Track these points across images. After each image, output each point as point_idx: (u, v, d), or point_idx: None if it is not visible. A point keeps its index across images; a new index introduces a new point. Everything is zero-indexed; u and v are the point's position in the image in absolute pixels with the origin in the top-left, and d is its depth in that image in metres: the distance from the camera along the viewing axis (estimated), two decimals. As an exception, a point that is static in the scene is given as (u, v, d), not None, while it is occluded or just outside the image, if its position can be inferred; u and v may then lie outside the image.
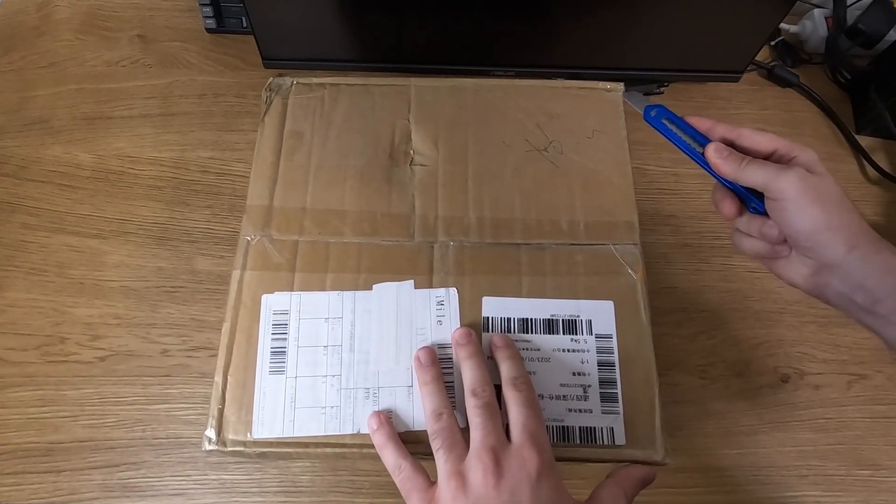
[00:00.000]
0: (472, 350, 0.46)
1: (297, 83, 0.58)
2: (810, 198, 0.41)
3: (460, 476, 0.40)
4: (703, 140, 0.47)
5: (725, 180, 0.46)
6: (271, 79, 0.58)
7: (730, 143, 0.46)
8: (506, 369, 0.45)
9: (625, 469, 0.45)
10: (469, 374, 0.45)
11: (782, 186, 0.42)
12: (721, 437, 0.62)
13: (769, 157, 0.45)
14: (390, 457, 0.44)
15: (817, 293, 0.45)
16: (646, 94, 0.77)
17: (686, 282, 0.68)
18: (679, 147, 0.47)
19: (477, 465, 0.40)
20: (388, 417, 0.46)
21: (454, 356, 0.47)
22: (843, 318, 0.65)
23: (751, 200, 0.45)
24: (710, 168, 0.46)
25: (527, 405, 0.43)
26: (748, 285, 0.68)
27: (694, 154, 0.46)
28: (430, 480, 0.42)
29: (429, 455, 0.43)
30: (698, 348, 0.65)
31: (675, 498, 0.59)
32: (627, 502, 0.43)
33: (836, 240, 0.41)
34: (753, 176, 0.43)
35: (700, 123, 0.47)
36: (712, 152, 0.45)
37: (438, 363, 0.47)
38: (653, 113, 0.48)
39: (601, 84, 0.58)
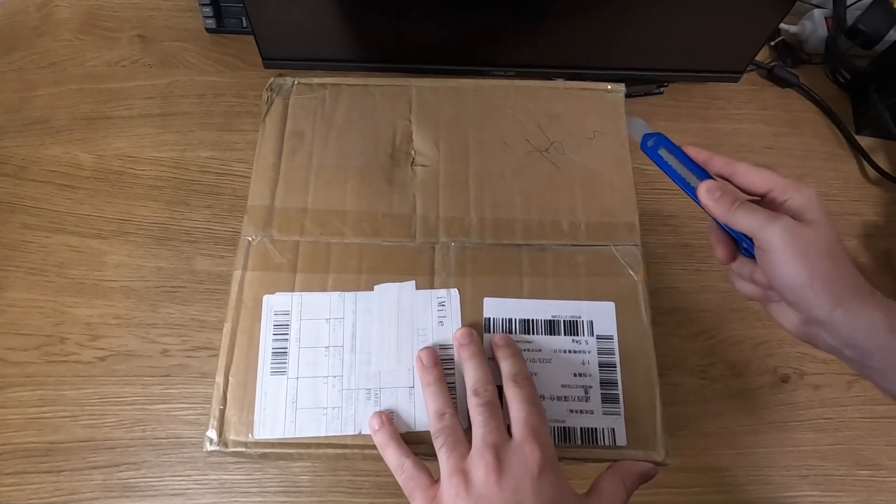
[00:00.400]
0: (474, 350, 0.46)
1: (298, 83, 0.58)
2: (796, 251, 0.40)
3: (463, 473, 0.40)
4: (700, 173, 0.45)
5: None
6: (272, 79, 0.58)
7: (726, 179, 0.45)
8: (506, 367, 0.45)
9: (626, 462, 0.45)
10: (471, 373, 0.45)
11: (768, 237, 0.41)
12: (721, 437, 0.62)
13: (764, 197, 0.44)
14: (392, 456, 0.44)
15: (808, 342, 0.44)
16: (646, 94, 0.77)
17: (686, 282, 0.68)
18: (674, 181, 0.46)
19: (479, 462, 0.40)
20: (389, 417, 0.46)
21: (455, 356, 0.47)
22: (843, 318, 0.66)
23: (742, 241, 0.44)
24: None
25: (528, 401, 0.43)
26: (748, 285, 0.68)
27: (688, 190, 0.45)
28: (433, 479, 0.43)
29: (431, 455, 0.43)
30: (698, 348, 0.65)
31: (675, 498, 0.59)
32: (627, 495, 0.43)
33: (822, 296, 0.40)
34: (742, 221, 0.42)
35: (697, 154, 0.46)
36: (704, 192, 0.44)
37: (440, 364, 0.47)
38: (650, 143, 0.47)
39: (602, 85, 0.58)
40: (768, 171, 0.44)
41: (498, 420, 0.43)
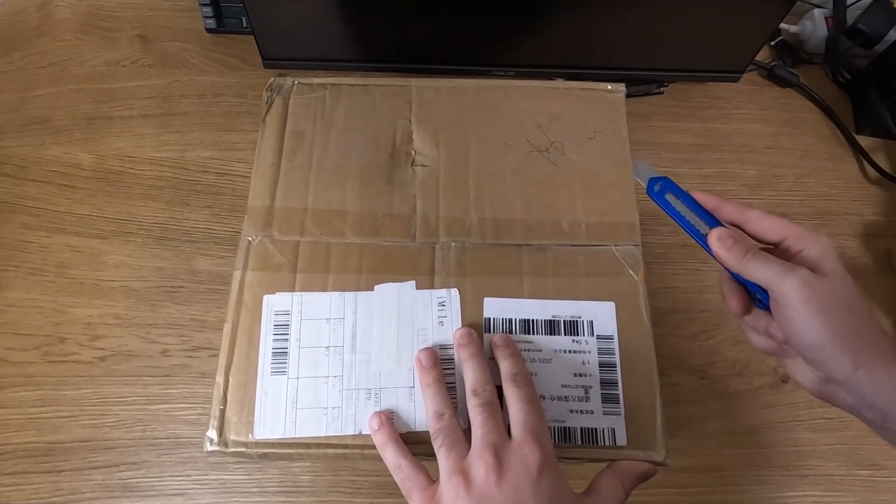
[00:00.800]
0: (474, 350, 0.46)
1: (299, 83, 0.58)
2: (815, 307, 0.38)
3: (462, 473, 0.40)
4: (710, 219, 0.43)
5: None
6: (272, 79, 0.58)
7: (737, 226, 0.43)
8: (506, 367, 0.45)
9: (624, 462, 0.45)
10: (470, 373, 0.45)
11: (785, 290, 0.38)
12: (721, 437, 0.62)
13: (777, 246, 0.42)
14: (391, 456, 0.44)
15: (826, 400, 0.42)
16: (646, 94, 0.77)
17: (686, 282, 0.68)
18: (683, 227, 0.44)
19: (479, 462, 0.40)
20: (389, 417, 0.46)
21: (455, 356, 0.47)
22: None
23: (756, 293, 0.42)
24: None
25: (527, 401, 0.43)
26: (748, 285, 0.68)
27: (698, 237, 0.43)
28: (431, 479, 0.42)
29: (431, 456, 0.43)
30: (698, 348, 0.65)
31: (675, 498, 0.59)
32: (625, 495, 0.43)
33: (842, 356, 0.38)
34: (756, 272, 0.40)
35: (707, 200, 0.44)
36: (715, 240, 0.42)
37: (440, 364, 0.47)
38: (656, 187, 0.45)
39: (602, 85, 0.58)
40: (782, 218, 0.42)
41: (497, 420, 0.43)
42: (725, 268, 0.42)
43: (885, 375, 0.37)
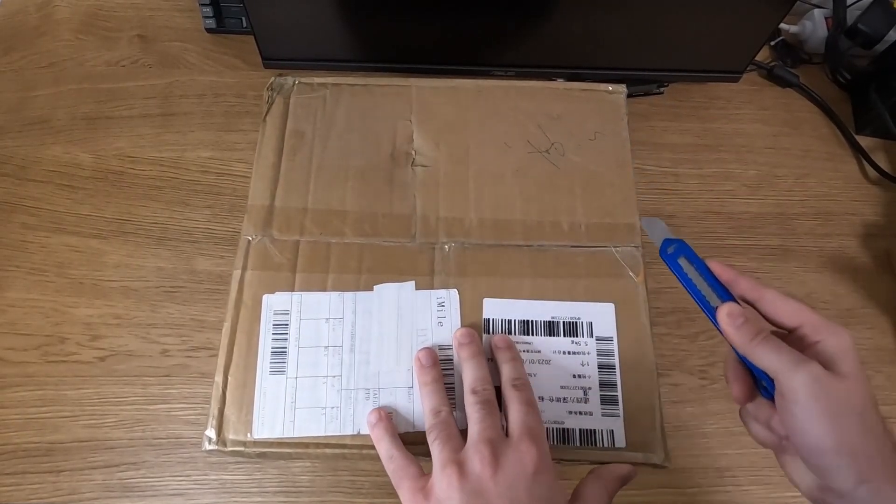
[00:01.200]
0: (474, 350, 0.46)
1: (299, 83, 0.58)
2: (822, 408, 0.35)
3: (457, 465, 0.40)
4: (723, 293, 0.41)
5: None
6: (273, 78, 0.58)
7: (751, 304, 0.41)
8: (507, 370, 0.45)
9: (607, 466, 0.45)
10: (470, 372, 0.45)
11: (793, 385, 0.36)
12: (721, 437, 0.61)
13: (792, 332, 0.39)
14: (384, 448, 0.44)
15: None
16: (646, 94, 0.77)
17: (686, 282, 0.68)
18: (693, 296, 0.42)
19: (475, 455, 0.40)
20: (387, 414, 0.46)
21: (455, 356, 0.47)
22: (843, 317, 0.66)
23: (762, 379, 0.39)
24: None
25: (526, 403, 0.43)
26: (748, 285, 0.68)
27: (707, 309, 0.41)
28: (423, 472, 0.42)
29: (428, 456, 0.43)
30: (698, 348, 0.65)
31: (675, 498, 0.59)
32: (609, 498, 0.43)
33: (846, 468, 0.35)
34: (765, 358, 0.37)
35: (722, 272, 0.41)
36: (725, 316, 0.39)
37: (439, 364, 0.47)
38: (670, 249, 0.43)
39: (603, 86, 0.58)
40: (800, 304, 0.39)
41: (495, 418, 0.43)
42: (733, 347, 0.40)
43: (893, 495, 0.35)
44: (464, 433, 0.43)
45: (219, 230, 0.68)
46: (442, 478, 0.40)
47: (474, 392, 0.44)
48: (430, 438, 0.43)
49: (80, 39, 0.79)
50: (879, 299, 0.68)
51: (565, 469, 0.58)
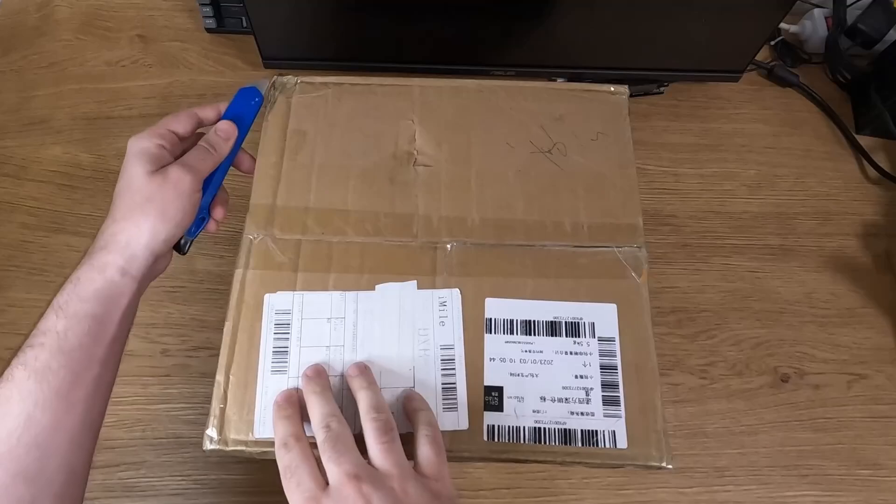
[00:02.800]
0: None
1: (301, 82, 0.58)
2: None
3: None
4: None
5: None
6: (275, 77, 0.58)
7: None
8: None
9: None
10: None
11: None
12: (721, 436, 0.62)
13: None
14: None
15: None
16: (645, 93, 0.77)
17: (686, 282, 0.68)
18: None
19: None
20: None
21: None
22: (843, 317, 0.66)
23: None
24: None
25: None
26: (748, 285, 0.68)
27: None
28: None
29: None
30: (698, 348, 0.65)
31: (675, 498, 0.59)
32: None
33: None
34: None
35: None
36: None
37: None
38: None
39: (606, 86, 0.58)
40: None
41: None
42: None
43: None
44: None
45: (219, 230, 0.67)
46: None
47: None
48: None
49: (80, 39, 0.79)
50: (879, 299, 0.68)
51: (566, 470, 0.58)
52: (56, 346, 0.43)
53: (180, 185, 0.47)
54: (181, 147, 0.51)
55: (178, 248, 0.51)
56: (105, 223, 0.48)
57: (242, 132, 0.54)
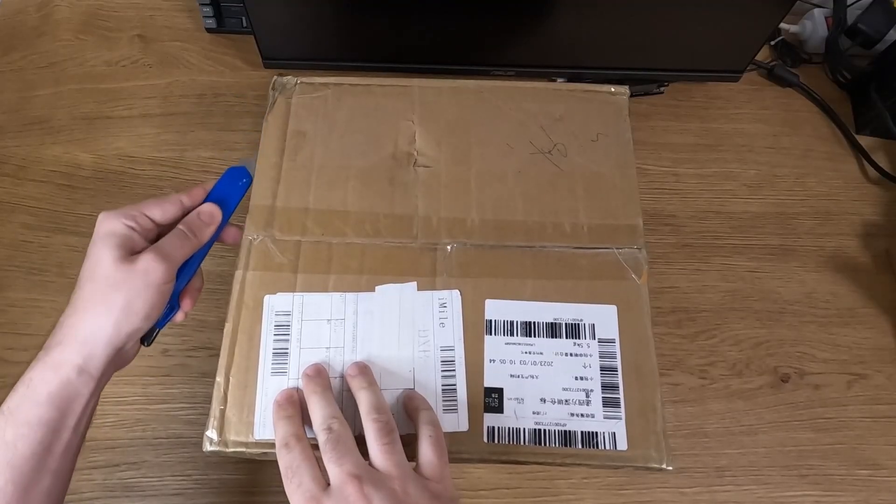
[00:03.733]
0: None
1: (301, 83, 0.58)
2: None
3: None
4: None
5: None
6: (275, 77, 0.58)
7: None
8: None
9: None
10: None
11: None
12: (721, 437, 0.62)
13: None
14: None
15: None
16: (645, 93, 0.77)
17: (686, 282, 0.68)
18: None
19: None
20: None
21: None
22: (843, 317, 0.66)
23: None
24: None
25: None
26: (748, 285, 0.68)
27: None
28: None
29: None
30: (698, 348, 0.65)
31: (676, 498, 0.59)
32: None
33: None
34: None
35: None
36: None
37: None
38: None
39: (606, 87, 0.58)
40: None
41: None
42: None
43: None
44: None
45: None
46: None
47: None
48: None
49: (80, 39, 0.79)
50: (879, 299, 0.68)
51: (566, 470, 0.58)
52: (3, 460, 0.39)
53: (151, 275, 0.43)
54: (156, 231, 0.47)
55: (143, 338, 0.47)
56: (65, 311, 0.44)
57: (227, 215, 0.50)
